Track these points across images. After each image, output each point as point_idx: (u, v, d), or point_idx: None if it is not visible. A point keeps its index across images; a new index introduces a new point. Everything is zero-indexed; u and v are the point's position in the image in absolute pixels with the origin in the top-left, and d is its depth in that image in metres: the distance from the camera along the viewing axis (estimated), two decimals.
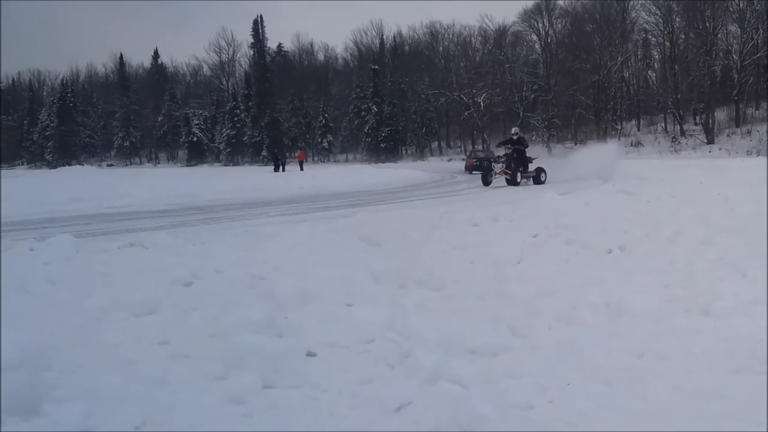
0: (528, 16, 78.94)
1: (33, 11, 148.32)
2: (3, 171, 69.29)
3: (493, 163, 25.73)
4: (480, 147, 67.08)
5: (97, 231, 11.63)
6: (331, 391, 3.51)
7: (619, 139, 59.90)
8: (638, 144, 61.54)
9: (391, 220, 10.85)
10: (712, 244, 7.38)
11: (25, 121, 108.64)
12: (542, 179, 24.48)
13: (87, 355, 3.89)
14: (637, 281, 5.72)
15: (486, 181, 24.35)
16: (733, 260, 6.32)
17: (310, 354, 3.98)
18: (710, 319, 4.71)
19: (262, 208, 16.24)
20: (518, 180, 24.03)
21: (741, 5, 61.98)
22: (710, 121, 60.86)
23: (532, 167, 25.15)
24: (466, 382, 3.51)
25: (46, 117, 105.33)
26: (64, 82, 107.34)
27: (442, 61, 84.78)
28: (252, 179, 30.52)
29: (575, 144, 59.27)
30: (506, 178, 24.11)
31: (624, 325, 4.64)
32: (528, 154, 25.61)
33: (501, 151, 25.69)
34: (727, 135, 60.10)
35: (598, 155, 27.63)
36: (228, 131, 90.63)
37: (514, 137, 25.38)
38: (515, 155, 24.59)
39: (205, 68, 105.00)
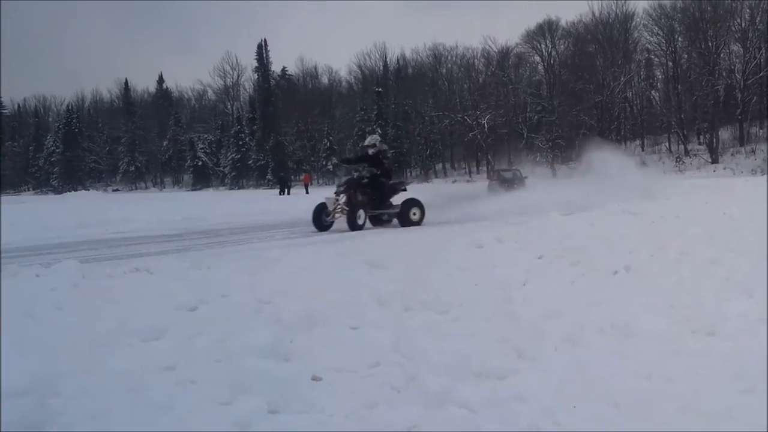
0: (531, 37, 79.56)
1: (38, 37, 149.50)
2: (9, 197, 69.63)
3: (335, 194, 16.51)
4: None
5: (103, 256, 11.65)
6: (337, 415, 3.50)
7: None
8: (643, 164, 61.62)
9: (396, 242, 10.86)
10: (718, 264, 7.36)
11: (30, 147, 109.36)
12: (414, 217, 16.66)
13: (94, 380, 3.88)
14: (643, 302, 5.70)
15: (320, 224, 15.90)
16: (739, 280, 6.30)
17: (315, 378, 3.97)
18: (717, 339, 4.70)
19: (268, 232, 16.25)
20: (361, 221, 15.92)
21: (743, 25, 62.36)
22: (714, 140, 61.05)
23: (397, 200, 17.26)
24: (472, 406, 3.50)
25: (51, 143, 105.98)
26: (70, 107, 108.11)
27: (446, 83, 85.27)
28: (257, 203, 30.58)
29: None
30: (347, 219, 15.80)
31: (631, 347, 4.62)
32: (393, 179, 17.81)
33: (365, 171, 17.15)
34: (732, 154, 60.30)
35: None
36: (233, 155, 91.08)
37: (370, 151, 17.06)
38: (365, 180, 16.59)
39: (210, 92, 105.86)
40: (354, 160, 18.69)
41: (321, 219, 15.91)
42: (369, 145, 17.33)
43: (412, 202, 16.93)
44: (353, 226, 15.50)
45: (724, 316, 5.06)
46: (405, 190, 17.56)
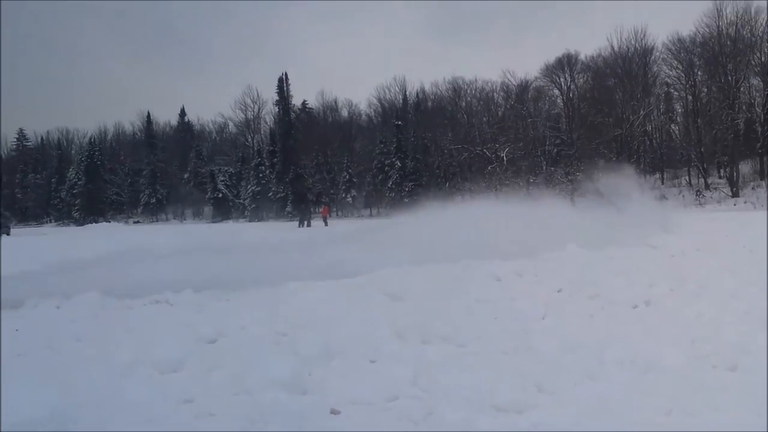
0: (550, 71, 79.33)
1: (61, 71, 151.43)
2: (32, 229, 70.39)
3: None
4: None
5: (122, 287, 11.68)
6: None
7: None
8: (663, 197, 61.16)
9: (414, 274, 10.82)
10: (738, 298, 7.30)
11: (53, 179, 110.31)
12: None
13: (113, 412, 3.90)
14: (663, 336, 5.66)
15: None
16: (760, 314, 6.24)
17: (333, 412, 3.97)
18: (738, 374, 4.65)
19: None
20: None
21: (762, 59, 62.17)
22: (735, 174, 60.63)
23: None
24: None
25: (74, 175, 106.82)
26: (92, 140, 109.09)
27: (465, 116, 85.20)
28: (277, 235, 30.62)
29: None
30: None
31: (651, 381, 4.58)
32: None
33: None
34: (752, 188, 59.79)
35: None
36: (253, 187, 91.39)
37: None
38: None
39: (231, 125, 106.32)
40: None
41: None
42: None
43: None
44: None
45: (745, 351, 5.01)
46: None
